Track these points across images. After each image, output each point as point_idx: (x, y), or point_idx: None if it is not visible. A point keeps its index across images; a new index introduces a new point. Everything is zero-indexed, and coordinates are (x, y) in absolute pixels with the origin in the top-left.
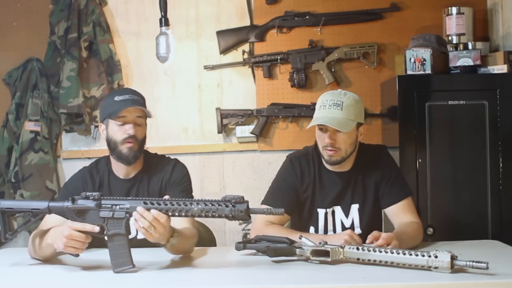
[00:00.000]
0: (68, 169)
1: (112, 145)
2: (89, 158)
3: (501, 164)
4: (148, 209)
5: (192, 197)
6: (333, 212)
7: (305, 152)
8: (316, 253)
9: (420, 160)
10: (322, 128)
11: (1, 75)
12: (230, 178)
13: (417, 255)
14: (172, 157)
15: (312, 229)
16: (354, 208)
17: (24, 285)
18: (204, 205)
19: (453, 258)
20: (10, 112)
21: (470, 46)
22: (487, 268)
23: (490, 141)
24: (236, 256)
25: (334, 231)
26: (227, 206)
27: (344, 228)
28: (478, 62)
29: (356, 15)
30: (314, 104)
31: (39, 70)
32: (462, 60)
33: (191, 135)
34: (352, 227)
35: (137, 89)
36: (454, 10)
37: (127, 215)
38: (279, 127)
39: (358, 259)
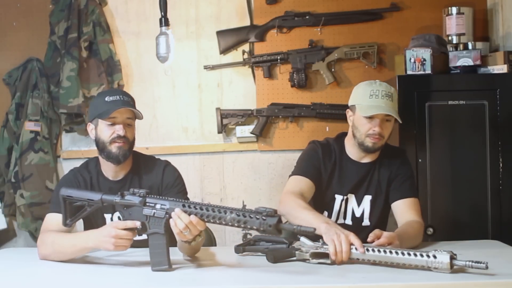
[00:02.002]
0: (68, 169)
1: (100, 145)
2: (89, 158)
3: (501, 164)
4: (188, 213)
5: (188, 198)
6: (346, 200)
7: (327, 141)
8: (316, 255)
9: (420, 160)
10: (372, 116)
11: (1, 75)
12: (230, 178)
13: (416, 255)
14: (172, 157)
15: (325, 213)
16: (367, 199)
17: (24, 285)
18: (236, 215)
19: (452, 258)
20: (10, 112)
21: (470, 46)
22: (487, 268)
23: (490, 141)
24: (236, 256)
25: (345, 217)
26: (257, 218)
27: (354, 217)
28: (478, 62)
29: (356, 15)
30: (314, 104)
31: (39, 70)
32: (462, 60)
33: (191, 135)
34: (361, 217)
35: (137, 89)
36: (454, 10)
37: (167, 215)
38: (279, 127)
39: (358, 259)
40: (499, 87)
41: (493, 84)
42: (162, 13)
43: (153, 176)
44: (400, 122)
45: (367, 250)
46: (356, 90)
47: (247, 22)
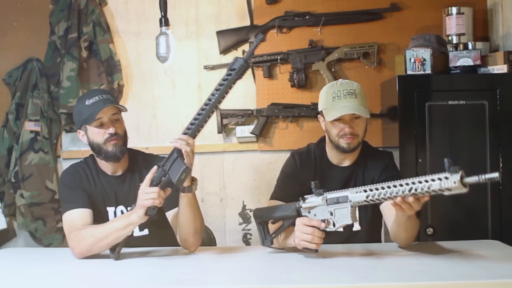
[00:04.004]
0: None
1: (96, 148)
2: None
3: (501, 164)
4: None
5: None
6: None
7: (307, 149)
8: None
9: (420, 160)
10: (340, 118)
11: (1, 75)
12: (230, 178)
13: (427, 181)
14: None
15: None
16: None
17: (24, 285)
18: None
19: (462, 177)
20: (10, 112)
21: (470, 46)
22: (499, 178)
23: (490, 141)
24: (236, 256)
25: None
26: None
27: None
28: (478, 62)
29: (356, 15)
30: (314, 104)
31: (39, 70)
32: (462, 60)
33: None
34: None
35: (137, 89)
36: (454, 10)
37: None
38: (279, 127)
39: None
40: (499, 87)
41: (493, 84)
42: (162, 13)
43: None
44: (367, 117)
45: (388, 187)
46: (321, 95)
47: (247, 22)
